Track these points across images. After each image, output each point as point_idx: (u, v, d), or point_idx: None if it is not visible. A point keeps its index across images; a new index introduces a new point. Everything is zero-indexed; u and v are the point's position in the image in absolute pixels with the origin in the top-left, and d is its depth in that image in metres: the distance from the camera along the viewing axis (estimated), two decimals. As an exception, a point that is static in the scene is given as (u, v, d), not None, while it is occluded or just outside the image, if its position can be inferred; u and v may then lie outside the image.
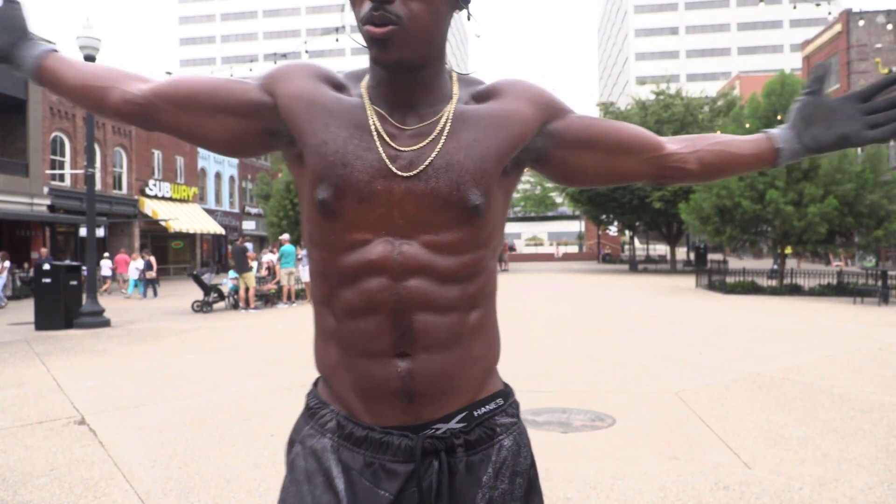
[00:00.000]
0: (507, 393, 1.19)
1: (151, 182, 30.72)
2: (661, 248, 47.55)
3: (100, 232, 24.35)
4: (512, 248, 50.93)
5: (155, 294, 19.74)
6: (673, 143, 1.24)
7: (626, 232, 39.84)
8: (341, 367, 1.10)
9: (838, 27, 33.36)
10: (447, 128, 1.09)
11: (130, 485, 3.67)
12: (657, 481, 3.61)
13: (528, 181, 57.52)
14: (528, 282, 23.29)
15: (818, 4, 23.10)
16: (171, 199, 32.03)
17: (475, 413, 1.12)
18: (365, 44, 1.05)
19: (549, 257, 50.77)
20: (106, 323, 11.58)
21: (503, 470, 1.11)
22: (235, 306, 14.79)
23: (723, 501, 3.34)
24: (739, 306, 13.85)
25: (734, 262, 31.13)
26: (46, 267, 11.54)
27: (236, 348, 8.76)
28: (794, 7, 26.81)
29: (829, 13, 30.02)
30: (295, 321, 12.08)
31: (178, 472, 3.85)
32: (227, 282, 15.28)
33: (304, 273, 15.71)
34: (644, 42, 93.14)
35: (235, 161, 39.19)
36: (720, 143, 1.24)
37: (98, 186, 26.18)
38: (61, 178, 25.31)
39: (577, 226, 57.79)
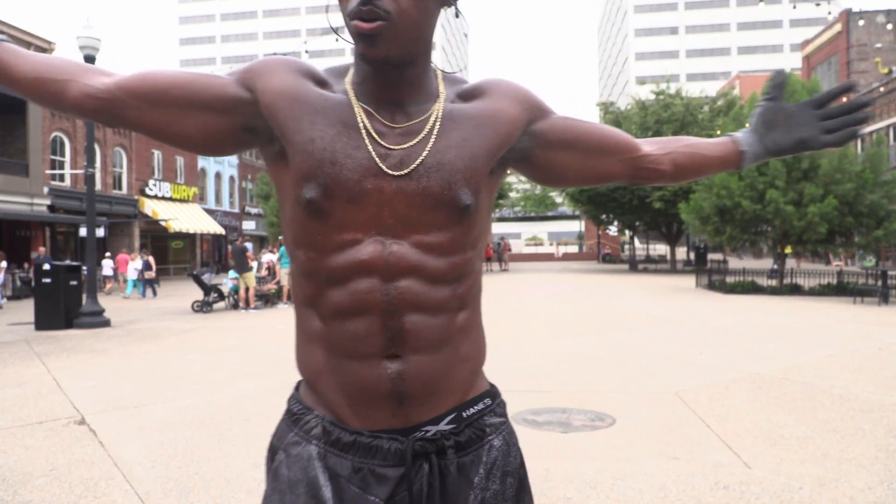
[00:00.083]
0: (493, 393, 1.19)
1: (151, 182, 30.71)
2: (661, 248, 47.50)
3: (100, 232, 24.35)
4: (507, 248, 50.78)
5: (154, 294, 19.73)
6: (648, 145, 1.28)
7: (626, 232, 39.82)
8: (327, 371, 1.08)
9: (838, 27, 33.39)
10: (437, 126, 1.07)
11: (130, 485, 3.67)
12: (657, 481, 3.61)
13: (527, 181, 57.41)
14: (528, 282, 23.29)
15: (818, 4, 23.12)
16: (171, 199, 32.03)
17: (464, 414, 1.11)
18: (351, 39, 1.03)
19: (549, 257, 50.70)
20: (106, 323, 11.58)
21: (494, 470, 1.10)
22: (235, 306, 14.80)
23: (723, 501, 3.34)
24: (739, 306, 13.85)
25: (734, 262, 31.12)
26: (46, 267, 11.53)
27: (236, 348, 8.76)
28: (794, 7, 26.85)
29: (829, 13, 30.06)
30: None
31: (178, 472, 3.85)
32: (227, 282, 15.28)
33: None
34: (644, 42, 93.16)
35: (235, 161, 39.17)
36: (691, 146, 1.28)
37: (98, 186, 26.19)
38: (61, 178, 25.31)
39: (577, 226, 57.72)
